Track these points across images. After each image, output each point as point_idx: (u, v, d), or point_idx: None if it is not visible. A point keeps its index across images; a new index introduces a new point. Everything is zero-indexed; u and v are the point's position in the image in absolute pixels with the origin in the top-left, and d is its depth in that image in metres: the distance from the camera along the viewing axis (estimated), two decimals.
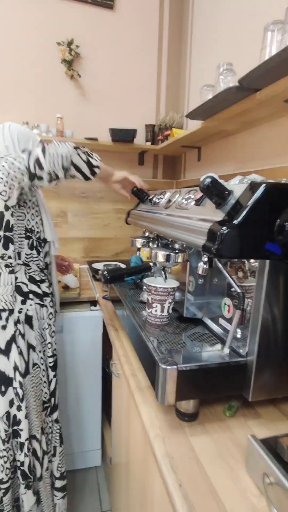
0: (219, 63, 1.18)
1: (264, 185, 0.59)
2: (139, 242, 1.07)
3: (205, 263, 0.77)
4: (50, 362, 1.13)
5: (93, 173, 0.99)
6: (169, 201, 0.97)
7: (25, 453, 1.04)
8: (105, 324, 1.33)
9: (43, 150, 0.93)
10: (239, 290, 0.66)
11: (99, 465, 1.71)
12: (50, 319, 1.13)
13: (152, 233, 1.16)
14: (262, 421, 0.71)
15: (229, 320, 0.78)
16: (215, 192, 0.64)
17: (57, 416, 1.18)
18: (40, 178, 0.95)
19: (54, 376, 1.15)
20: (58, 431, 1.19)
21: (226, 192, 0.64)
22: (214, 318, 0.87)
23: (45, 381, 1.11)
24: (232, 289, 0.73)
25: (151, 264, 0.85)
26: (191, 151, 2.00)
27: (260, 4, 1.29)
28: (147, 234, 1.20)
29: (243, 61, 1.31)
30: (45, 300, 1.10)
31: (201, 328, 0.87)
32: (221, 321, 0.82)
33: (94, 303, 1.60)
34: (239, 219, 0.58)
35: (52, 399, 1.16)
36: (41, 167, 0.93)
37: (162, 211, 0.99)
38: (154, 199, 1.12)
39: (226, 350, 0.66)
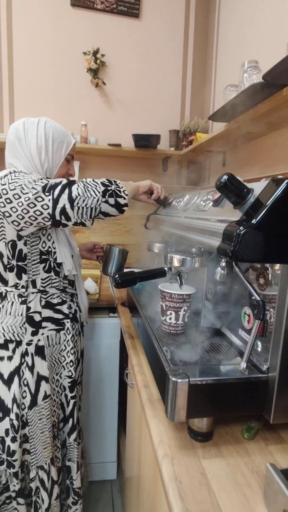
0: (244, 62, 1.13)
1: (287, 181, 0.53)
2: (156, 247, 1.03)
3: (223, 268, 0.71)
4: (69, 383, 1.08)
5: (122, 212, 0.95)
6: (188, 203, 0.92)
7: (20, 479, 1.00)
8: (122, 332, 1.29)
9: (71, 201, 0.87)
10: (258, 298, 0.59)
11: (115, 479, 1.65)
12: (73, 341, 1.08)
13: (171, 237, 1.12)
14: (286, 447, 0.64)
15: (249, 331, 0.71)
16: (232, 190, 0.59)
17: (76, 436, 1.12)
18: (65, 225, 0.91)
19: (72, 397, 1.09)
20: (77, 447, 1.13)
21: (245, 190, 0.58)
22: (234, 328, 0.81)
23: (56, 411, 1.07)
24: (253, 297, 0.67)
25: (166, 268, 0.81)
26: (215, 156, 1.94)
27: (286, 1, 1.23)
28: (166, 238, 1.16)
29: (270, 61, 1.25)
30: (66, 322, 1.06)
31: (219, 339, 0.81)
32: (241, 332, 0.75)
33: (113, 309, 1.57)
34: (259, 218, 0.52)
35: (70, 420, 1.10)
36: (68, 219, 0.88)
37: (180, 214, 0.95)
38: (173, 202, 1.08)
39: (243, 365, 0.59)
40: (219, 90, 1.95)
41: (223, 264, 0.71)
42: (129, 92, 2.07)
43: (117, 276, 0.76)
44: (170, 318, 0.80)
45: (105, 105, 2.05)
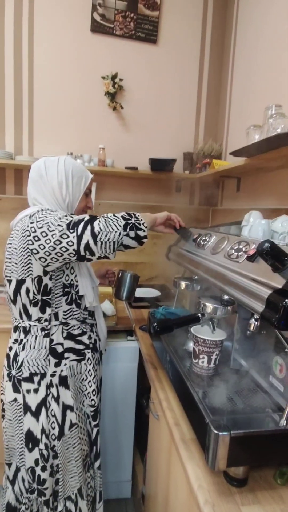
0: (268, 105, 1.18)
1: None
2: (183, 285, 1.08)
3: (256, 320, 0.76)
4: (91, 411, 1.12)
5: (141, 244, 0.98)
6: (217, 247, 0.97)
7: (51, 508, 1.04)
8: (142, 357, 1.33)
9: (94, 236, 0.89)
10: None
11: (129, 498, 1.69)
12: (94, 371, 1.11)
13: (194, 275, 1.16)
14: None
15: (282, 380, 0.76)
16: (273, 257, 0.63)
17: (99, 464, 1.17)
18: (90, 260, 0.95)
19: (96, 425, 1.14)
20: (100, 476, 1.18)
21: (286, 259, 0.63)
22: (262, 372, 0.85)
23: (85, 439, 1.11)
24: (287, 350, 0.71)
25: (199, 315, 0.85)
26: (230, 180, 1.99)
27: None
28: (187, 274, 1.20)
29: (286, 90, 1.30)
30: (87, 352, 1.10)
31: (248, 382, 0.85)
32: (272, 379, 0.80)
33: (130, 332, 1.61)
34: None
35: (94, 448, 1.15)
36: (92, 253, 0.91)
37: (208, 256, 0.99)
38: (198, 240, 1.13)
39: (283, 422, 0.64)
40: (233, 115, 2.00)
41: (257, 316, 0.76)
42: (145, 115, 2.12)
43: (155, 324, 0.81)
44: (202, 362, 0.84)
45: (122, 128, 2.10)
